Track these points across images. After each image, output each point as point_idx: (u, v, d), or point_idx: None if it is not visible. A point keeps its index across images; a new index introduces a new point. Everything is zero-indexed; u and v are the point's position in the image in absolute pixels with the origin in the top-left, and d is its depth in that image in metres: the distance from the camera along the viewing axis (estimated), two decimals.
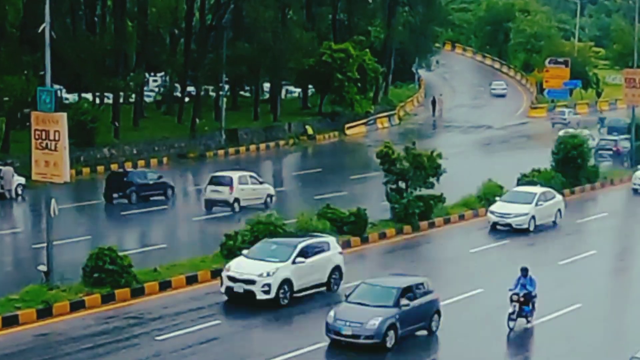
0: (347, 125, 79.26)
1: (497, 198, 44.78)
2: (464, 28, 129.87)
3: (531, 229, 42.86)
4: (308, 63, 76.57)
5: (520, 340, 28.72)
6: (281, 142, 72.11)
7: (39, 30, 31.22)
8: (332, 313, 26.96)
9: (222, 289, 30.79)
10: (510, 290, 28.73)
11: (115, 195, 47.38)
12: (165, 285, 32.51)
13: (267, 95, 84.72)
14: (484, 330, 29.37)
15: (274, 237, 33.52)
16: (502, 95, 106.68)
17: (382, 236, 40.96)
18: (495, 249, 39.99)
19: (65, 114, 30.82)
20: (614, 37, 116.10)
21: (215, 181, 46.20)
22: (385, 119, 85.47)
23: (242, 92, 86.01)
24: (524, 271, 28.96)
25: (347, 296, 28.04)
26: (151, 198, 48.19)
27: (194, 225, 44.63)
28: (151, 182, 48.79)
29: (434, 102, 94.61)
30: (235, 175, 46.78)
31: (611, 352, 27.88)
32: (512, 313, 28.54)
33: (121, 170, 52.59)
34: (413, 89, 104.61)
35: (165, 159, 62.38)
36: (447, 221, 44.20)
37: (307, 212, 39.62)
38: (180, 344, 27.22)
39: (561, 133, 58.74)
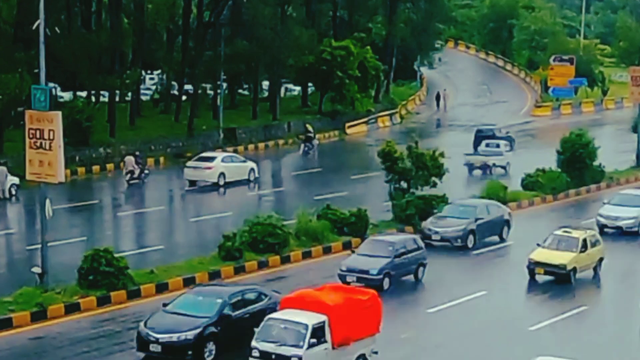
0: (347, 124, 79.25)
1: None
2: (466, 25, 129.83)
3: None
4: (308, 61, 76.56)
5: (522, 343, 28.71)
6: (280, 142, 72.10)
7: (34, 27, 31.20)
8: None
9: None
10: None
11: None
12: (162, 287, 32.51)
13: (266, 94, 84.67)
14: (487, 333, 29.38)
15: None
16: None
17: None
18: (498, 250, 39.99)
19: (60, 113, 30.85)
20: (619, 34, 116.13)
21: None
22: (387, 117, 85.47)
23: (240, 91, 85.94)
24: None
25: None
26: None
27: (191, 226, 44.66)
28: (501, 135, 67.79)
29: (438, 98, 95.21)
30: None
31: (614, 355, 27.88)
32: None
33: (486, 127, 71.75)
34: (415, 87, 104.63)
35: (162, 159, 62.36)
36: None
37: (307, 212, 39.64)
38: None
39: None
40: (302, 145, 67.21)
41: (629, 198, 44.77)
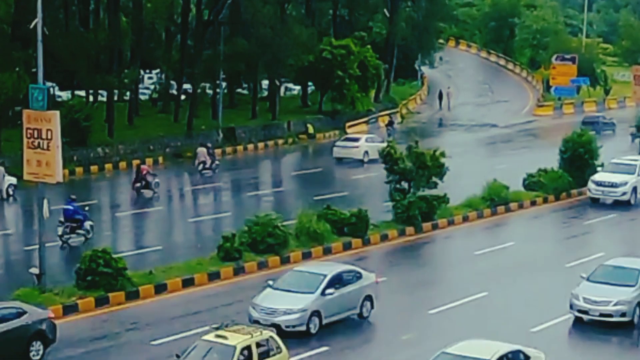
0: (348, 124, 79.17)
1: None
2: (468, 24, 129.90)
3: None
4: (308, 60, 76.52)
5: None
6: (280, 141, 72.06)
7: (31, 26, 31.20)
8: None
9: None
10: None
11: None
12: (160, 289, 32.51)
13: (265, 93, 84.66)
14: (488, 334, 29.35)
15: None
16: None
17: (384, 238, 40.95)
18: (500, 251, 39.97)
19: (57, 112, 30.81)
20: (622, 33, 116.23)
21: None
22: (387, 117, 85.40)
23: (239, 90, 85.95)
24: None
25: None
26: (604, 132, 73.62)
27: (189, 226, 44.64)
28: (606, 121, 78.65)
29: (440, 96, 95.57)
30: None
31: (620, 358, 27.90)
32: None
33: (591, 114, 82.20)
34: (416, 87, 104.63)
35: (160, 159, 62.27)
36: (450, 222, 44.20)
37: (307, 213, 39.62)
38: (176, 349, 27.19)
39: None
40: (386, 129, 74.03)
41: (299, 279, 29.84)
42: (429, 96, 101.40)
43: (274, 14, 75.85)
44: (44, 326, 26.23)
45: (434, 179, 43.36)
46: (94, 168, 58.20)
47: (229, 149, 67.39)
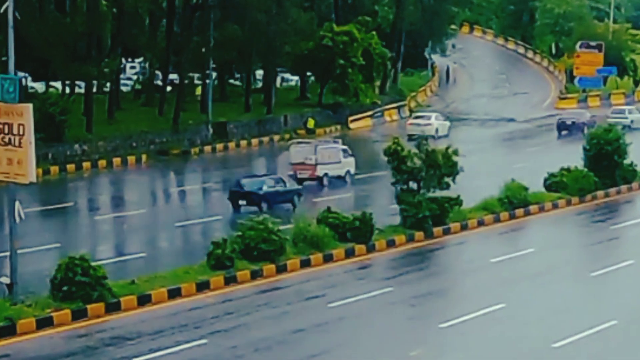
0: (350, 118, 79.36)
1: None
2: (483, 7, 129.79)
3: None
4: (307, 47, 76.61)
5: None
6: (276, 137, 72.13)
7: (1, 11, 31.19)
8: None
9: None
10: None
11: None
12: (144, 300, 32.50)
13: (260, 84, 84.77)
14: (506, 350, 29.41)
15: None
16: None
17: (391, 244, 40.97)
18: (519, 259, 40.01)
19: (31, 105, 30.79)
20: None
21: None
22: (394, 110, 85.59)
23: (231, 81, 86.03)
24: None
25: None
26: None
27: (176, 231, 44.67)
28: None
29: (447, 71, 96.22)
30: None
31: None
32: None
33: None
34: (426, 77, 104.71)
35: (144, 157, 62.36)
36: (464, 227, 44.22)
37: (306, 216, 39.64)
38: None
39: None
40: None
41: None
42: (440, 87, 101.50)
43: None
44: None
45: (446, 179, 43.31)
46: (70, 167, 58.27)
47: (219, 146, 67.49)
